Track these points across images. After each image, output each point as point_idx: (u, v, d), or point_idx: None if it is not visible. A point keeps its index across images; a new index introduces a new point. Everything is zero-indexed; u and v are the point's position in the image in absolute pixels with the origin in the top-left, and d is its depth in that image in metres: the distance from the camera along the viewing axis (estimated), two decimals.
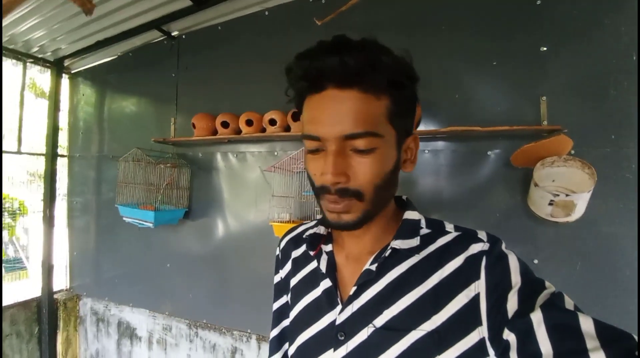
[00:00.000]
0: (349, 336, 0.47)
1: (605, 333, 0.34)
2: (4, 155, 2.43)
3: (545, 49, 1.26)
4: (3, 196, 4.24)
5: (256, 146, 1.83)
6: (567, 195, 1.06)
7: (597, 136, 1.20)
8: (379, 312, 0.46)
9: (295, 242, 0.64)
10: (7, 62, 2.28)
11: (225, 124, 1.73)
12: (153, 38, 2.13)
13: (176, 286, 2.04)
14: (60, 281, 2.54)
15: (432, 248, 0.49)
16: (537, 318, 0.37)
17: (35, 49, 2.27)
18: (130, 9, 1.84)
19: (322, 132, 0.43)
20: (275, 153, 1.77)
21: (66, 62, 2.45)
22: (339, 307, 0.49)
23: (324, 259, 0.54)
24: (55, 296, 2.44)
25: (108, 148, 2.38)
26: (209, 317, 1.93)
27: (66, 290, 2.55)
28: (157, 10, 1.84)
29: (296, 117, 1.54)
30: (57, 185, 2.44)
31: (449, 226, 0.52)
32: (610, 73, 1.19)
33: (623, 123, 1.17)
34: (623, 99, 1.17)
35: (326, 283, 0.52)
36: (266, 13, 1.80)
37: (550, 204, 1.09)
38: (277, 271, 0.66)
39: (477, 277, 0.44)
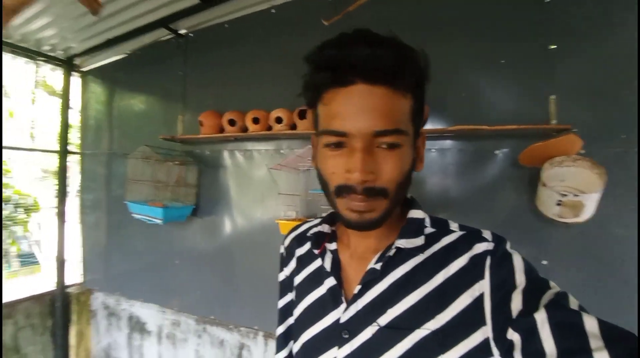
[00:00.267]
0: (353, 334, 0.47)
1: (609, 332, 0.34)
2: (17, 152, 2.49)
3: (554, 47, 1.24)
4: (17, 193, 4.34)
5: (263, 144, 1.84)
6: (575, 195, 1.05)
7: (607, 136, 1.17)
8: (383, 311, 0.47)
9: (299, 240, 0.64)
10: (20, 61, 2.32)
11: (232, 122, 1.74)
12: (161, 36, 2.15)
13: (184, 283, 2.07)
14: (73, 276, 2.60)
15: (436, 247, 0.49)
16: (541, 317, 0.37)
17: (47, 47, 2.31)
18: (139, 7, 1.86)
19: (350, 128, 0.42)
20: (282, 151, 1.78)
21: (77, 61, 2.49)
22: (344, 305, 0.50)
23: (328, 257, 0.54)
24: (68, 290, 2.51)
25: (118, 145, 2.42)
26: (216, 313, 1.96)
27: (79, 284, 2.61)
28: (165, 9, 1.85)
29: (302, 115, 1.55)
30: (69, 182, 2.50)
31: (454, 226, 0.52)
32: (621, 71, 1.16)
33: (634, 122, 1.15)
34: (634, 97, 1.15)
35: (331, 282, 0.53)
36: (273, 11, 1.80)
37: (558, 204, 1.08)
38: (281, 269, 0.67)
39: (482, 277, 0.44)
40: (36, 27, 2.05)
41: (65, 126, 2.43)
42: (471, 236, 0.49)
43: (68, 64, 2.45)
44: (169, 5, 1.82)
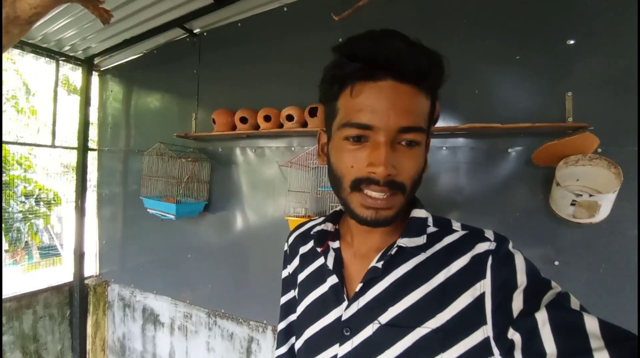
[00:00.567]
0: (354, 332, 0.48)
1: (610, 333, 0.34)
2: (39, 149, 2.59)
3: (572, 42, 1.20)
4: (39, 187, 4.51)
5: (274, 141, 1.85)
6: (590, 195, 1.02)
7: (625, 134, 1.13)
8: (384, 309, 0.47)
9: (303, 238, 0.64)
10: (41, 61, 2.41)
11: (244, 120, 1.76)
12: (176, 36, 2.19)
13: (196, 276, 2.12)
14: (91, 268, 2.69)
15: (438, 246, 0.49)
16: (542, 317, 0.37)
17: (67, 47, 2.39)
18: (155, 8, 1.90)
19: (377, 121, 0.42)
20: (293, 148, 1.79)
21: (96, 60, 2.57)
22: (345, 303, 0.50)
23: (331, 256, 0.55)
24: (85, 281, 2.60)
25: (134, 142, 2.49)
26: (227, 307, 2.00)
27: (96, 276, 2.70)
28: (180, 9, 1.89)
29: (313, 113, 1.55)
30: (88, 177, 2.58)
31: (456, 225, 0.52)
32: None
33: None
34: None
35: (333, 280, 0.53)
36: (285, 9, 1.82)
37: (572, 204, 1.05)
38: (284, 266, 0.67)
39: (483, 276, 0.44)
40: (57, 28, 2.12)
41: (84, 124, 2.51)
42: (473, 236, 0.48)
43: (88, 64, 2.53)
44: (184, 5, 1.86)
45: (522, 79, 1.29)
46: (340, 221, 0.61)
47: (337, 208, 0.62)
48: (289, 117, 1.62)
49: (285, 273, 0.67)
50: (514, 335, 0.39)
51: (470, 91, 1.36)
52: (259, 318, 1.88)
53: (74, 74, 2.65)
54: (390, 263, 0.49)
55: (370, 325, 0.47)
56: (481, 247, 0.46)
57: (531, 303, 0.39)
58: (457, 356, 0.43)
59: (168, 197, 1.97)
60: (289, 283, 0.66)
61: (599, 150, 1.14)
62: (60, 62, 2.47)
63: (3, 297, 2.23)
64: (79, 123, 2.51)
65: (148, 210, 2.01)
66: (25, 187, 4.34)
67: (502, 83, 1.32)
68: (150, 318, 2.39)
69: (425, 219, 0.52)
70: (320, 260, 0.58)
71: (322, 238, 0.57)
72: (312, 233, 0.60)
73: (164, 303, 2.31)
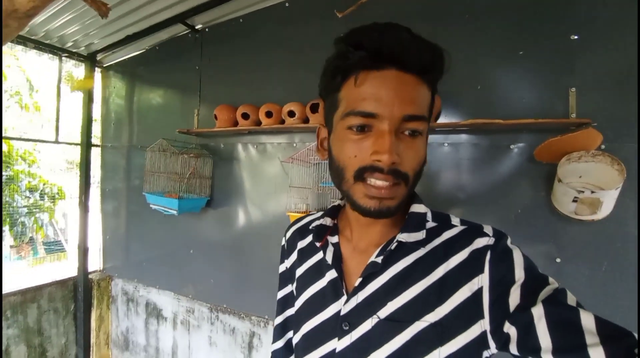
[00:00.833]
0: (353, 326, 0.48)
1: (606, 329, 0.34)
2: (43, 144, 2.61)
3: (576, 37, 1.19)
4: (43, 182, 4.55)
5: (275, 137, 1.86)
6: (592, 192, 1.02)
7: (629, 131, 1.12)
8: (383, 304, 0.47)
9: (301, 233, 0.64)
10: (44, 57, 2.42)
11: (245, 116, 1.76)
12: (178, 32, 2.19)
13: (198, 271, 2.13)
14: (95, 263, 2.71)
15: (437, 241, 0.49)
16: (538, 312, 0.37)
17: (70, 43, 2.39)
18: (157, 4, 1.90)
19: (382, 109, 0.42)
20: (294, 144, 1.79)
21: (98, 56, 2.57)
22: (344, 298, 0.50)
23: (329, 250, 0.55)
24: (90, 276, 2.62)
25: (137, 138, 2.50)
26: (228, 302, 2.01)
27: (100, 270, 2.73)
28: (181, 5, 1.88)
29: (315, 109, 1.55)
30: (92, 173, 2.60)
31: (455, 220, 0.52)
32: None
33: None
34: None
35: (332, 274, 0.53)
36: (287, 4, 1.81)
37: (574, 201, 1.04)
38: (282, 261, 0.68)
39: (481, 271, 0.44)
40: (60, 24, 2.13)
41: (88, 120, 2.52)
42: (472, 231, 0.49)
43: (90, 60, 2.53)
44: (186, 1, 1.85)
45: (525, 75, 1.28)
46: (339, 216, 0.61)
47: (336, 203, 0.62)
48: (291, 113, 1.62)
49: (282, 268, 0.67)
50: (509, 329, 0.39)
51: (472, 87, 1.35)
52: (260, 313, 1.90)
53: (77, 70, 2.65)
54: (390, 258, 0.49)
55: (370, 320, 0.47)
56: (480, 242, 0.47)
57: (528, 298, 0.39)
58: (455, 350, 0.43)
59: (170, 193, 1.98)
60: (286, 277, 0.66)
61: (602, 147, 1.13)
62: (63, 58, 2.48)
63: (9, 291, 2.26)
64: (82, 119, 2.52)
65: (151, 206, 2.03)
66: (29, 182, 4.38)
67: (504, 79, 1.31)
68: (154, 312, 2.41)
69: (425, 214, 0.52)
70: (319, 255, 0.58)
71: (321, 233, 0.57)
72: (310, 227, 0.60)
73: (166, 298, 2.33)
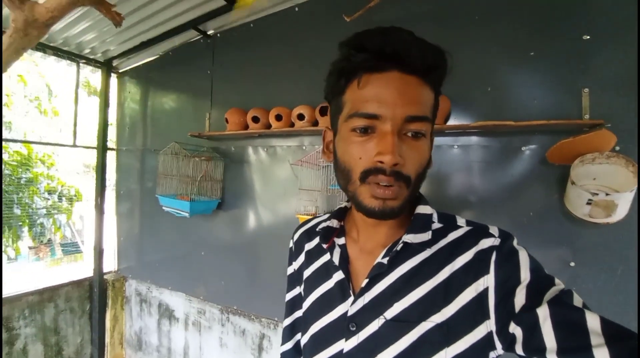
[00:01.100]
0: (360, 327, 0.48)
1: (611, 330, 0.34)
2: (61, 148, 2.70)
3: (588, 37, 1.17)
4: (61, 184, 4.69)
5: (285, 140, 1.87)
6: (607, 194, 0.99)
7: None
8: (389, 304, 0.47)
9: (308, 235, 0.65)
10: (63, 63, 2.51)
11: (255, 119, 1.79)
12: (191, 37, 2.24)
13: (210, 273, 2.16)
14: (110, 264, 2.77)
15: (443, 242, 0.50)
16: (543, 313, 0.37)
17: (87, 50, 2.47)
18: (170, 11, 1.95)
19: (384, 111, 0.43)
20: (304, 147, 1.80)
21: (115, 63, 2.65)
22: (351, 299, 0.51)
23: (336, 252, 0.55)
24: (105, 277, 2.68)
25: (150, 142, 2.55)
26: (239, 304, 2.03)
27: (114, 271, 2.78)
28: (194, 11, 1.93)
29: (324, 112, 1.56)
30: (107, 176, 2.67)
31: (461, 221, 0.52)
32: None
33: None
34: None
35: (339, 275, 0.54)
36: (296, 9, 1.83)
37: (588, 203, 1.02)
38: (290, 263, 0.68)
39: (487, 271, 0.44)
40: (77, 32, 2.20)
41: (104, 124, 2.59)
42: (478, 232, 0.49)
43: (107, 66, 2.61)
44: (198, 7, 1.90)
45: (536, 76, 1.26)
46: (346, 218, 0.61)
47: (343, 205, 0.63)
48: (300, 117, 1.64)
49: (290, 270, 0.68)
50: (515, 330, 0.39)
51: (482, 88, 1.34)
52: (270, 315, 1.91)
53: (94, 76, 2.73)
54: (396, 259, 0.49)
55: (376, 320, 0.47)
56: (485, 243, 0.47)
57: (533, 299, 0.39)
58: (461, 350, 0.43)
59: (182, 195, 2.02)
60: (294, 279, 0.67)
61: (617, 148, 1.11)
62: (81, 64, 2.56)
63: (27, 291, 2.33)
64: (99, 123, 2.59)
65: (163, 208, 2.07)
66: (48, 184, 4.52)
67: (515, 80, 1.29)
68: (166, 313, 2.45)
69: (430, 215, 0.52)
70: (326, 256, 0.58)
71: (328, 235, 0.57)
72: (317, 229, 0.60)
73: (178, 299, 2.37)
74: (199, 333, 2.26)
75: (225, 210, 2.10)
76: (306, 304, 0.59)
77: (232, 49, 2.08)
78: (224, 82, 2.12)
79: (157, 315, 2.51)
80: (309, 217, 0.67)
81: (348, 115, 0.46)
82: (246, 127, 1.87)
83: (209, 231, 2.17)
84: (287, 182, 1.84)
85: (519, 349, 0.39)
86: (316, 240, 0.62)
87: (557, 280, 0.42)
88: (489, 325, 0.43)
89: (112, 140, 2.80)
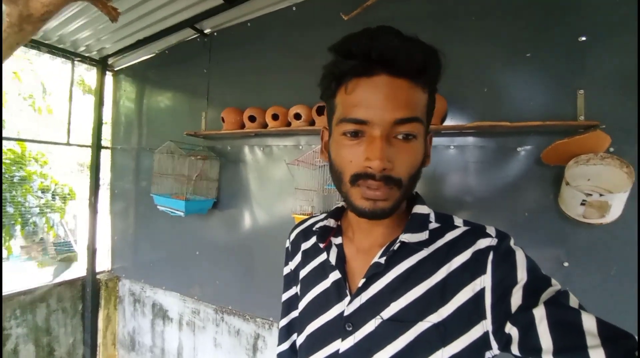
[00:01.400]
0: (356, 327, 0.48)
1: (607, 331, 0.34)
2: (54, 146, 2.67)
3: (584, 39, 1.18)
4: (55, 182, 4.64)
5: (282, 139, 1.87)
6: (601, 195, 1.00)
7: (636, 133, 1.10)
8: (386, 304, 0.47)
9: (305, 234, 0.65)
10: (57, 61, 2.48)
11: (252, 119, 1.78)
12: (187, 36, 2.23)
13: (204, 273, 2.14)
14: (104, 263, 2.75)
15: (440, 242, 0.49)
16: (539, 313, 0.37)
17: (82, 48, 2.45)
18: (167, 9, 1.94)
19: (372, 116, 0.43)
20: (300, 147, 1.80)
21: (110, 61, 2.63)
22: (348, 299, 0.50)
23: (333, 251, 0.55)
24: (98, 276, 2.65)
25: (146, 141, 2.53)
26: (234, 304, 2.02)
27: (108, 271, 2.76)
28: (191, 9, 1.92)
29: (321, 111, 1.56)
30: (102, 175, 2.65)
31: (458, 221, 0.52)
32: None
33: None
34: None
35: (335, 275, 0.54)
36: (294, 9, 1.83)
37: (582, 204, 1.03)
38: (286, 263, 0.68)
39: (484, 272, 0.44)
40: (72, 29, 2.18)
41: (98, 122, 2.57)
42: (475, 232, 0.49)
43: (102, 64, 2.59)
44: (195, 6, 1.89)
45: (532, 77, 1.27)
46: (342, 218, 0.61)
47: (340, 205, 0.63)
48: (297, 116, 1.63)
49: (287, 270, 0.68)
50: (511, 330, 0.39)
51: (479, 89, 1.35)
52: (265, 315, 1.90)
53: (89, 74, 2.71)
54: (393, 258, 0.49)
55: (373, 320, 0.47)
56: (482, 243, 0.47)
57: (530, 299, 0.39)
58: (458, 350, 0.43)
59: (178, 194, 2.00)
60: (290, 279, 0.66)
61: (611, 149, 1.12)
62: (76, 62, 2.53)
63: (18, 290, 2.30)
64: (93, 122, 2.57)
65: (158, 207, 2.05)
66: (42, 182, 4.47)
67: (511, 81, 1.30)
68: (160, 313, 2.43)
69: (428, 215, 0.52)
70: (323, 256, 0.58)
71: (325, 234, 0.57)
72: (314, 229, 0.60)
73: (173, 299, 2.35)
74: (193, 334, 2.24)
75: (221, 210, 2.09)
76: (302, 304, 0.58)
77: (229, 48, 2.08)
78: (221, 81, 2.11)
79: (150, 315, 2.49)
80: (305, 217, 0.67)
81: (338, 119, 0.46)
82: (242, 126, 1.86)
83: (204, 231, 2.15)
84: (283, 182, 1.84)
85: (514, 349, 0.39)
86: (313, 240, 0.62)
87: (553, 281, 0.42)
88: (486, 325, 0.43)
89: (106, 139, 2.77)
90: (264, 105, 1.78)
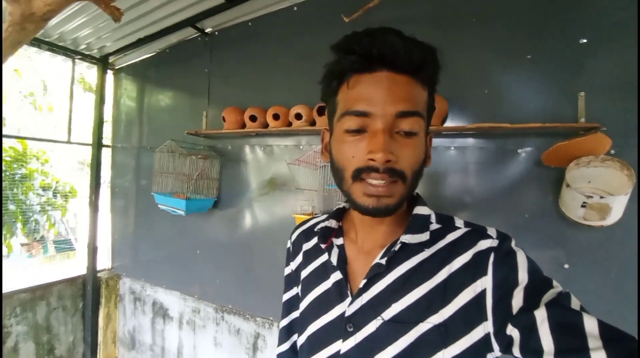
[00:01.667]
0: (357, 328, 0.48)
1: (608, 333, 0.34)
2: (55, 144, 2.67)
3: (585, 41, 1.18)
4: (56, 180, 4.64)
5: (283, 139, 1.87)
6: (601, 197, 1.00)
7: (637, 135, 1.10)
8: (387, 305, 0.47)
9: (306, 235, 0.65)
10: (58, 59, 2.48)
11: (253, 118, 1.78)
12: (188, 35, 2.23)
13: (205, 272, 2.15)
14: (104, 261, 2.75)
15: (441, 243, 0.50)
16: (541, 315, 0.37)
17: (83, 46, 2.45)
18: (168, 8, 1.94)
19: (374, 108, 0.44)
20: (301, 147, 1.80)
21: (111, 59, 2.63)
22: (349, 299, 0.50)
23: (334, 252, 0.55)
24: (98, 275, 2.65)
25: (146, 139, 2.53)
26: (234, 303, 2.02)
27: (108, 269, 2.76)
28: (192, 8, 1.92)
29: (321, 111, 1.56)
30: (102, 173, 2.64)
31: (459, 222, 0.52)
32: None
33: None
34: None
35: (337, 276, 0.54)
36: (295, 9, 1.83)
37: (582, 206, 1.03)
38: (287, 263, 0.68)
39: (485, 273, 0.44)
40: (73, 27, 2.18)
41: (99, 121, 2.57)
42: (476, 233, 0.49)
43: (103, 62, 2.59)
44: (196, 5, 1.88)
45: (533, 79, 1.27)
46: (344, 218, 0.61)
47: (341, 205, 0.63)
48: (298, 116, 1.63)
49: (288, 270, 0.68)
50: (512, 331, 0.39)
51: (479, 91, 1.35)
52: (265, 315, 1.90)
53: (90, 72, 2.71)
54: (394, 259, 0.49)
55: (374, 321, 0.47)
56: (483, 244, 0.47)
57: (531, 301, 0.39)
58: (459, 352, 0.43)
59: (178, 193, 2.00)
60: (291, 280, 0.66)
61: (612, 152, 1.12)
62: (76, 60, 2.53)
63: (19, 288, 2.30)
64: (94, 120, 2.56)
65: (159, 206, 2.05)
66: (43, 180, 4.48)
67: (512, 83, 1.30)
68: (160, 312, 2.44)
69: (429, 216, 0.52)
70: (324, 257, 0.58)
71: (326, 235, 0.57)
72: (315, 229, 0.60)
73: (173, 298, 2.35)
74: (193, 333, 2.25)
75: (222, 209, 2.09)
76: (303, 304, 0.58)
77: (230, 48, 2.07)
78: (222, 80, 2.11)
79: (151, 313, 2.50)
80: (306, 217, 0.67)
81: (340, 115, 0.47)
82: (243, 126, 1.86)
83: (205, 230, 2.16)
84: (284, 182, 1.83)
85: (516, 351, 0.39)
86: (314, 240, 0.62)
87: (555, 282, 0.42)
88: (487, 327, 0.43)
89: (107, 137, 2.77)
90: (265, 105, 1.78)
